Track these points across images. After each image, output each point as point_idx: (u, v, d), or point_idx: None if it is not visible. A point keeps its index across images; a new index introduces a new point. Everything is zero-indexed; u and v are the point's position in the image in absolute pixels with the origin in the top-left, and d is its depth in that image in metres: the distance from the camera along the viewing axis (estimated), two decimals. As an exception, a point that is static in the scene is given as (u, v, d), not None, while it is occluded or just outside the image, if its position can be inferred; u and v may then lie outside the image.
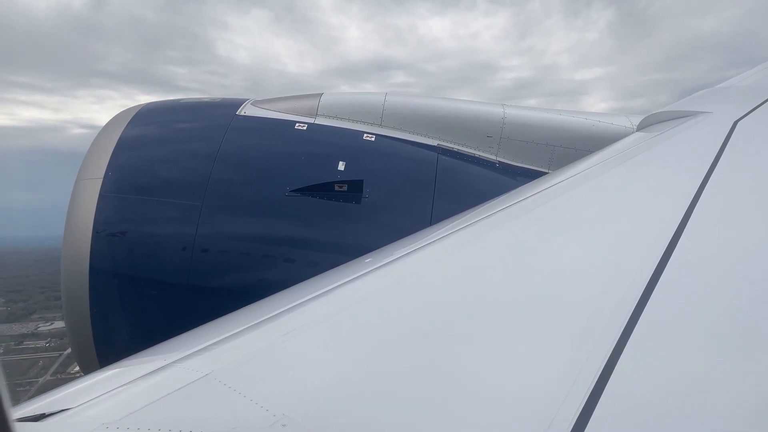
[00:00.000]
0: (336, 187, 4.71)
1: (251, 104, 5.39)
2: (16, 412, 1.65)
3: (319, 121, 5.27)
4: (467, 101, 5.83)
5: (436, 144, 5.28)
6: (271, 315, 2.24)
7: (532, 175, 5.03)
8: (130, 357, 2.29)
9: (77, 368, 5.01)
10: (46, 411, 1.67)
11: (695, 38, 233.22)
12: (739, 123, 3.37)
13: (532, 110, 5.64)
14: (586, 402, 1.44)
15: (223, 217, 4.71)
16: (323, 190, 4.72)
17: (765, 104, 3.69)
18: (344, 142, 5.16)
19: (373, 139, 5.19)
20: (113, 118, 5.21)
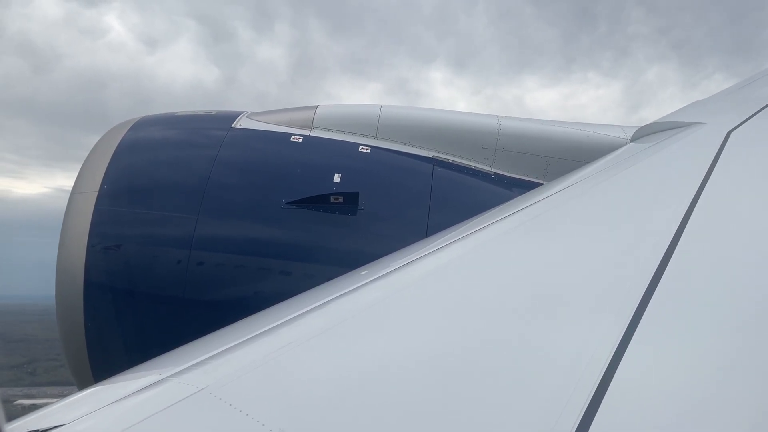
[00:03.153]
0: (332, 199, 4.71)
1: (247, 117, 5.40)
2: (8, 428, 1.64)
3: (315, 133, 5.28)
4: (462, 113, 5.85)
5: (431, 155, 5.29)
6: (267, 328, 2.23)
7: (527, 186, 5.04)
8: (124, 372, 2.28)
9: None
10: (40, 427, 1.65)
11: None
12: (732, 133, 3.39)
13: (527, 121, 5.67)
14: (588, 405, 1.44)
15: (218, 230, 4.70)
16: (319, 202, 4.71)
17: (758, 114, 3.71)
18: (340, 154, 5.16)
19: (368, 151, 5.20)
20: (109, 131, 5.20)
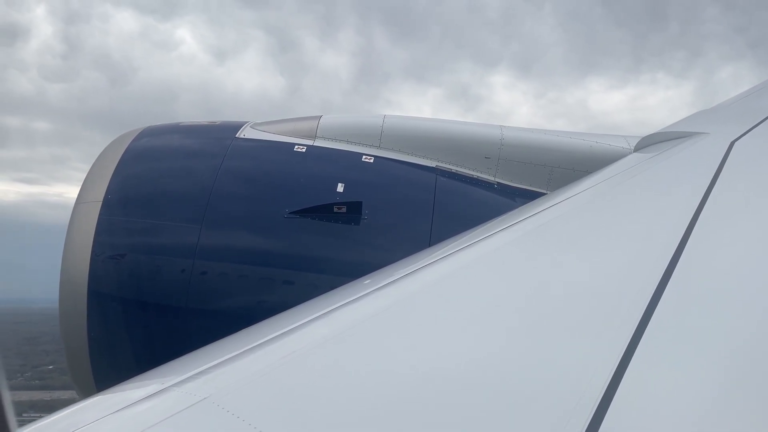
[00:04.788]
0: (335, 209, 4.71)
1: (250, 127, 5.41)
2: None
3: (318, 143, 5.29)
4: (465, 123, 5.86)
5: (434, 165, 5.29)
6: (270, 337, 2.23)
7: (530, 196, 5.03)
8: (127, 381, 2.27)
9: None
10: None
11: None
12: (735, 143, 3.39)
13: (529, 131, 5.67)
14: (594, 413, 1.44)
15: (222, 240, 4.71)
16: (322, 211, 4.72)
17: (762, 124, 3.71)
18: (343, 164, 5.17)
19: (371, 160, 5.20)
20: (113, 141, 5.22)
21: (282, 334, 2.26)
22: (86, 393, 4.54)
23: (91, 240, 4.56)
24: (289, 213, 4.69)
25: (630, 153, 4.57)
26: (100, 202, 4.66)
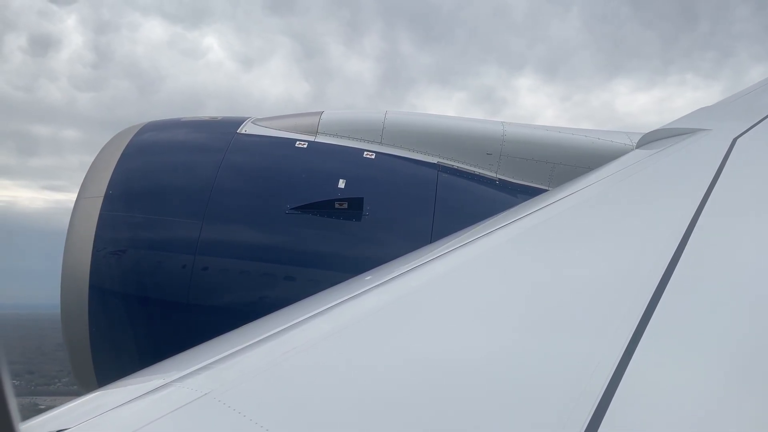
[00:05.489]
0: (336, 205, 4.71)
1: (252, 122, 5.40)
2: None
3: (320, 139, 5.28)
4: (467, 119, 5.84)
5: (436, 161, 5.28)
6: (271, 333, 2.23)
7: (532, 193, 5.03)
8: (128, 376, 2.28)
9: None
10: (45, 430, 1.65)
11: None
12: (738, 140, 3.38)
13: (531, 128, 5.66)
14: (594, 411, 1.44)
15: (223, 235, 4.71)
16: (323, 207, 4.71)
17: (764, 121, 3.70)
18: (344, 160, 5.17)
19: (373, 156, 5.19)
20: (114, 136, 5.22)
21: (283, 330, 2.26)
22: (88, 388, 4.55)
23: (93, 235, 4.56)
24: (291, 209, 4.69)
25: (632, 149, 4.56)
26: (102, 197, 4.67)
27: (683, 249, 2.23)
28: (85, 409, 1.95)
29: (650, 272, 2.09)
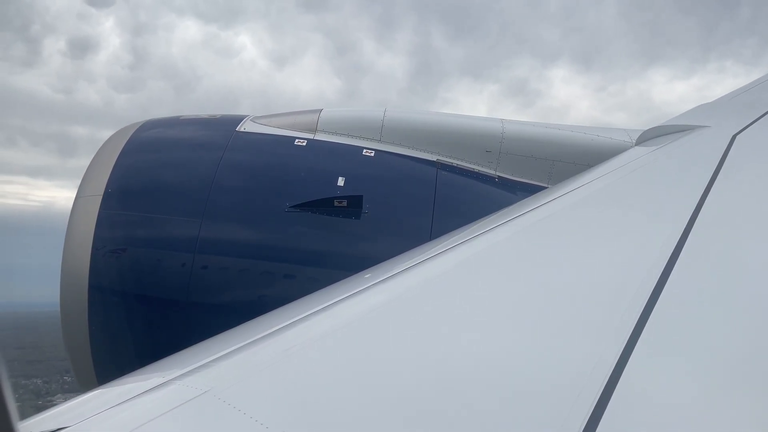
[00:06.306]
0: (335, 203, 4.71)
1: (251, 120, 5.40)
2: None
3: (319, 136, 5.27)
4: (466, 116, 5.84)
5: (435, 159, 5.28)
6: (270, 331, 2.23)
7: (531, 190, 5.02)
8: (128, 374, 2.27)
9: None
10: (44, 429, 1.65)
11: None
12: (737, 137, 3.38)
13: (530, 125, 5.65)
14: (594, 409, 1.44)
15: (222, 233, 4.71)
16: (323, 205, 4.71)
17: (763, 118, 3.70)
18: (344, 157, 5.16)
19: (372, 154, 5.19)
20: (114, 134, 5.21)
21: (282, 328, 2.26)
22: (88, 386, 4.55)
23: (92, 234, 4.55)
24: (290, 207, 4.69)
25: (631, 146, 4.56)
26: (101, 196, 4.66)
27: (682, 246, 2.23)
28: (85, 407, 1.95)
29: (649, 269, 2.09)
